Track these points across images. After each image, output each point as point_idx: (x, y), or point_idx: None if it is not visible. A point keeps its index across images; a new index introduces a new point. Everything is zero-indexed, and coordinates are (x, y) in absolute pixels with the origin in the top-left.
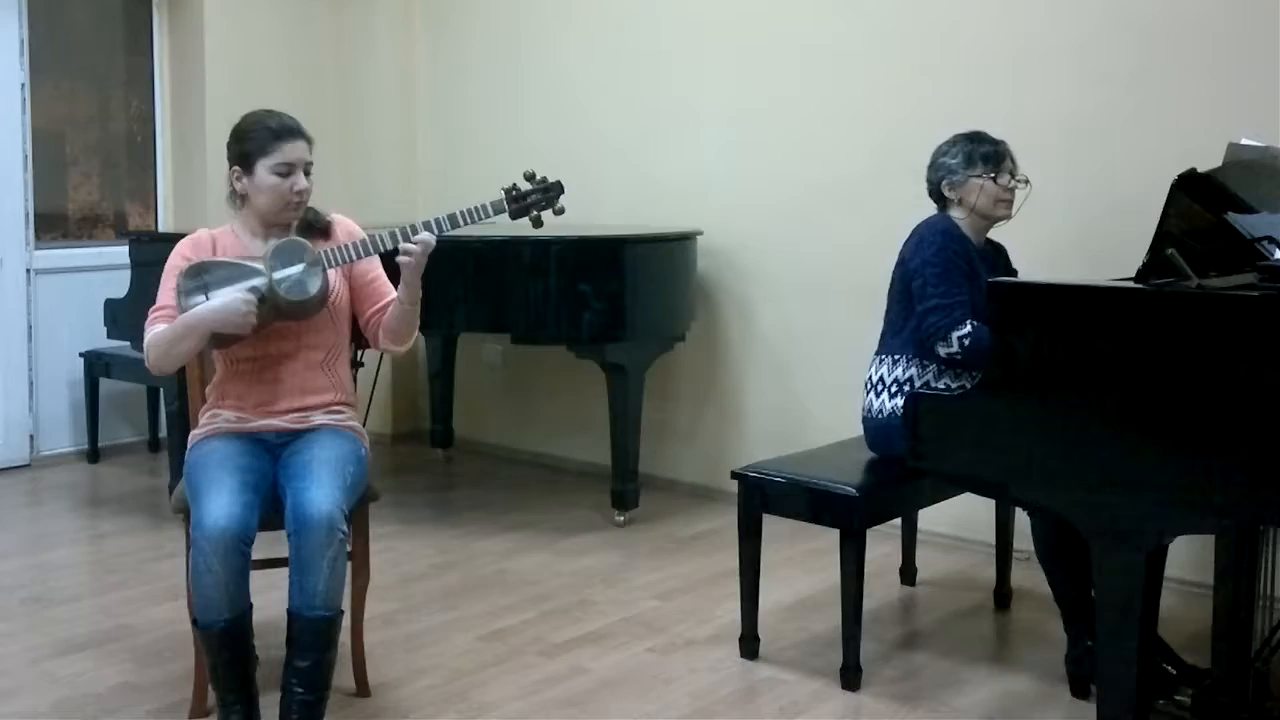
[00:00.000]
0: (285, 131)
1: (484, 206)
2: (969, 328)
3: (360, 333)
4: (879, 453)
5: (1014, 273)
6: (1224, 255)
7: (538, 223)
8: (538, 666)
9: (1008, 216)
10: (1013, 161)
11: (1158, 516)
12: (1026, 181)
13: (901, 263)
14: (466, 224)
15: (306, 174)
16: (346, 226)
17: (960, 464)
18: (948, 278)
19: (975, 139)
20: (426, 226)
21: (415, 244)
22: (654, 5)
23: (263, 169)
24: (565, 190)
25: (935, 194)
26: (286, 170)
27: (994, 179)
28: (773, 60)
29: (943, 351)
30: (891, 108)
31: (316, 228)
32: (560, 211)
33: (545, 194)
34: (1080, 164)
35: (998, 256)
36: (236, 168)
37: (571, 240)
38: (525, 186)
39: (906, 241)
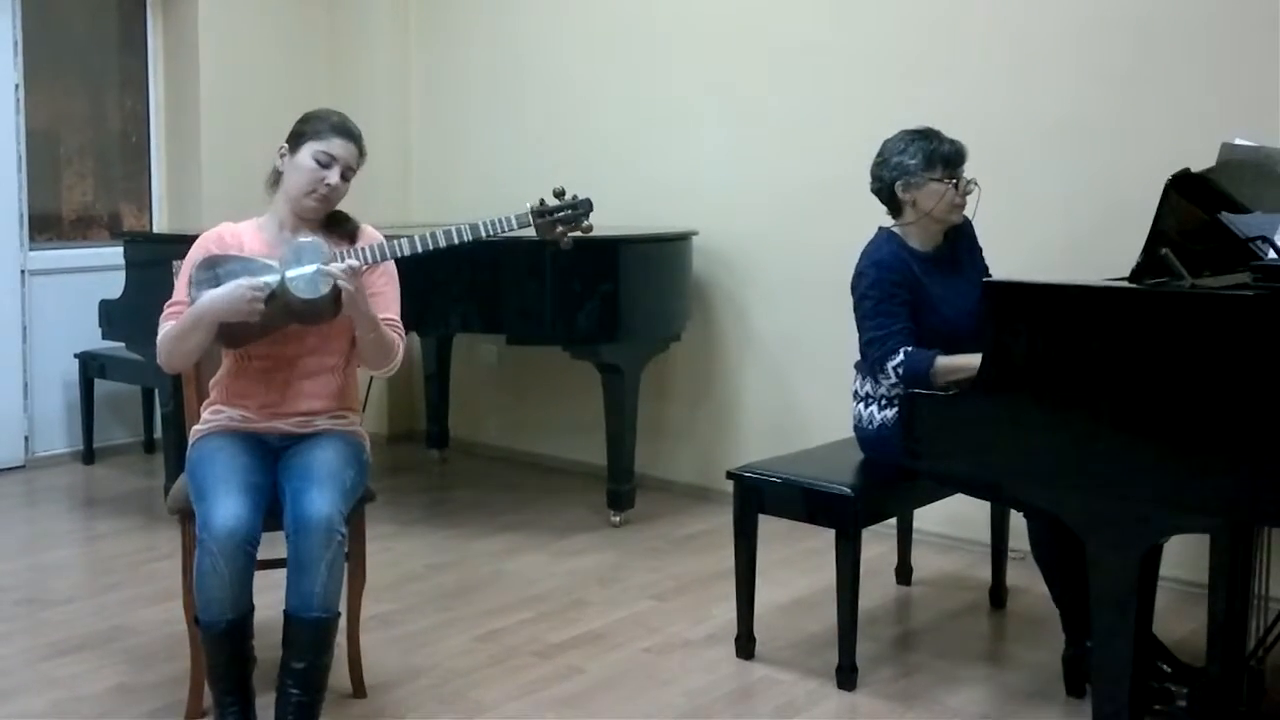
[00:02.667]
0: (343, 129)
1: (508, 219)
2: (901, 356)
3: None
4: (873, 459)
5: (979, 248)
6: (1218, 255)
7: (566, 243)
8: (534, 667)
9: (959, 222)
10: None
11: (1152, 516)
12: (976, 184)
13: (852, 289)
14: (489, 236)
15: (345, 177)
16: (373, 236)
17: (956, 464)
18: (881, 309)
19: (932, 137)
20: (447, 235)
21: (341, 272)
22: (650, 5)
23: (306, 151)
24: (594, 208)
25: (886, 194)
26: (327, 161)
27: (954, 183)
28: (769, 60)
29: (885, 382)
30: (887, 108)
31: (344, 230)
32: (588, 230)
33: (573, 211)
34: (1074, 164)
35: (958, 241)
36: (285, 145)
37: None
38: (553, 203)
39: (856, 265)
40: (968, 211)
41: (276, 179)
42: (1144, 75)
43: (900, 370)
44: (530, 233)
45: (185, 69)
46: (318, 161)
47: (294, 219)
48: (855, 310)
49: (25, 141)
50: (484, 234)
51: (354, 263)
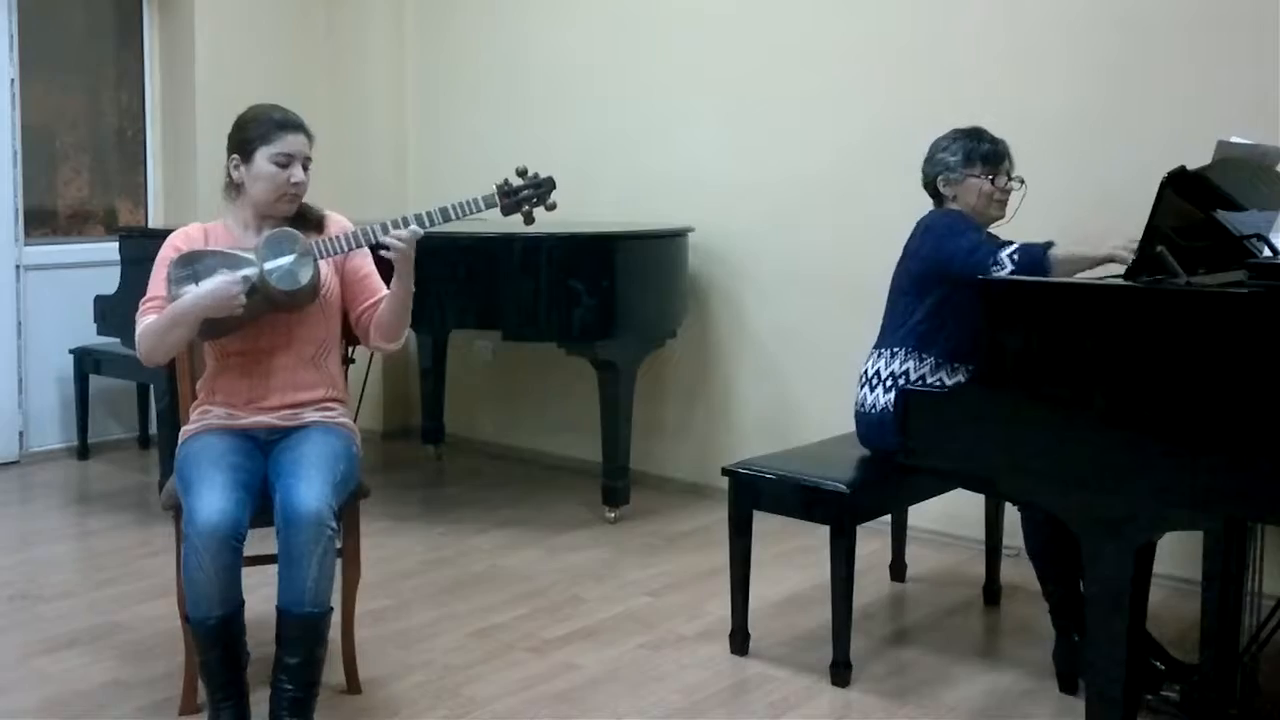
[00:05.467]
0: (288, 124)
1: (475, 200)
2: (1016, 244)
3: (351, 330)
4: (871, 447)
5: None
6: (1213, 253)
7: (529, 219)
8: (528, 663)
9: (1001, 217)
10: (1010, 162)
11: (1147, 512)
12: (1022, 182)
13: (911, 254)
14: (458, 217)
15: (304, 168)
16: (339, 223)
17: (951, 460)
18: (973, 229)
19: (975, 136)
20: (418, 220)
21: (403, 236)
22: (648, 2)
23: (262, 158)
24: (557, 186)
25: (930, 189)
26: (285, 161)
27: (991, 180)
28: (766, 56)
29: (997, 274)
30: (882, 104)
31: (310, 222)
32: (552, 207)
33: (537, 189)
34: (1070, 161)
35: None
36: (236, 156)
37: (562, 237)
38: (517, 182)
39: (912, 234)
40: (1009, 209)
41: (237, 190)
42: (1141, 72)
43: (1016, 256)
44: (526, 227)
45: (181, 64)
46: (277, 165)
47: (258, 220)
48: (938, 250)
49: (21, 136)
50: (453, 215)
51: (416, 229)
